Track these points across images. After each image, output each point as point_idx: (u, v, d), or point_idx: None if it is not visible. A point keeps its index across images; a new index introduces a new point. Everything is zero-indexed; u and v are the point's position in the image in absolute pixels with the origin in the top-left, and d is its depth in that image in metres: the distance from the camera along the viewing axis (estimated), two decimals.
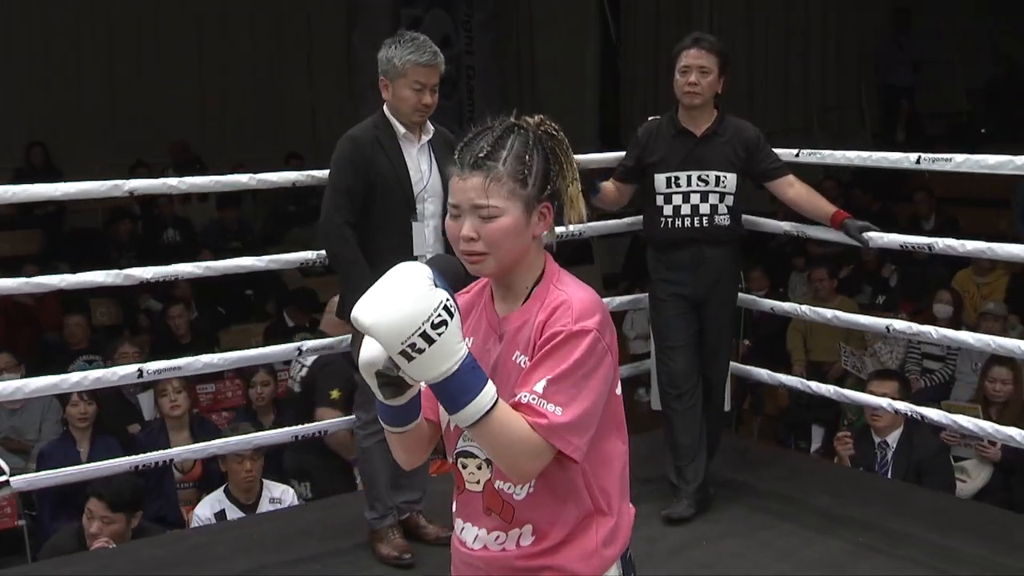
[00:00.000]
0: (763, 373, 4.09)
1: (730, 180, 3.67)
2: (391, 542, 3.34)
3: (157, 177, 6.76)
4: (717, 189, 3.67)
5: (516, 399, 1.55)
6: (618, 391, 1.67)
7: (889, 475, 4.40)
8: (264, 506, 4.10)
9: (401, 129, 3.24)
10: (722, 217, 3.68)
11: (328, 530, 3.62)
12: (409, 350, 1.43)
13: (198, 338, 6.80)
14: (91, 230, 9.04)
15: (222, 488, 4.15)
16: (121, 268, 3.22)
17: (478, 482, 1.66)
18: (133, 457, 3.35)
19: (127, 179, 3.17)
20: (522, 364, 1.61)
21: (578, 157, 4.31)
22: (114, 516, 3.62)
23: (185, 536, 3.90)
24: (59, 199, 3.05)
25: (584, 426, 1.56)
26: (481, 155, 1.60)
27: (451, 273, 1.58)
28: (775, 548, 3.47)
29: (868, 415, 4.51)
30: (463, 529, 1.71)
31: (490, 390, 1.50)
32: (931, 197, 8.31)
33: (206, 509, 4.07)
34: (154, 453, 3.37)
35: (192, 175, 3.93)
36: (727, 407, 4.06)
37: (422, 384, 1.53)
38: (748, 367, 4.17)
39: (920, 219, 8.11)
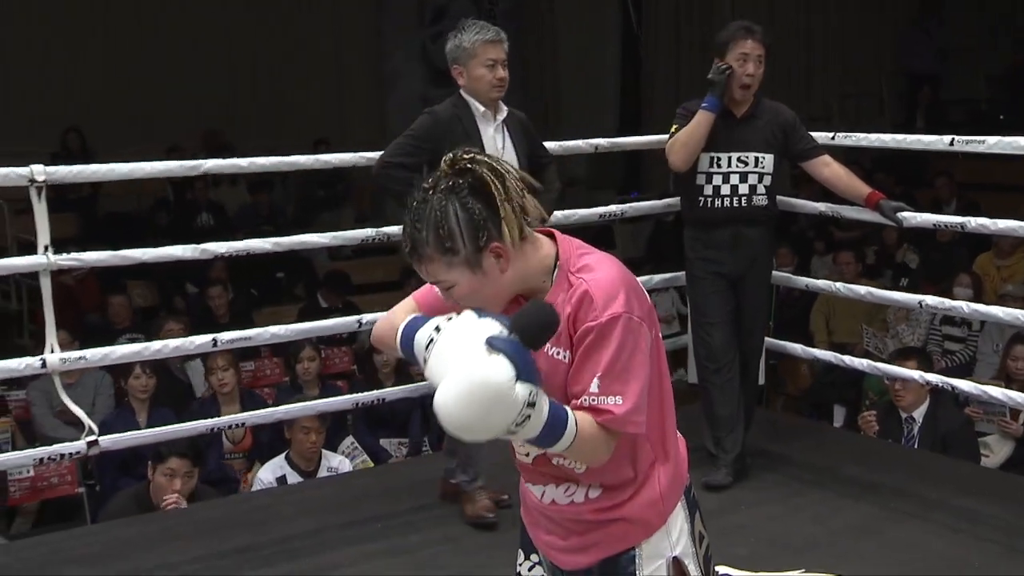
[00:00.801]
0: (797, 348, 4.27)
1: (768, 161, 3.85)
2: (478, 503, 3.56)
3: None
4: (756, 170, 3.84)
5: (579, 402, 1.66)
6: (660, 343, 1.76)
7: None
8: (323, 473, 4.33)
9: (480, 108, 3.48)
10: (760, 197, 3.85)
11: (385, 493, 3.83)
12: (497, 437, 1.55)
13: (234, 319, 7.01)
14: (124, 214, 9.25)
15: (283, 455, 4.37)
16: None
17: (528, 455, 1.79)
18: (211, 420, 3.57)
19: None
20: (555, 355, 1.68)
21: (599, 141, 4.46)
22: (194, 470, 3.85)
23: (247, 498, 4.11)
24: (142, 177, 3.23)
25: (643, 402, 1.68)
26: (408, 249, 1.66)
27: (540, 326, 1.56)
28: (808, 512, 3.67)
29: (892, 394, 4.68)
30: (533, 488, 1.84)
31: (571, 427, 1.60)
32: (952, 182, 8.46)
33: (268, 473, 4.30)
34: (246, 414, 3.59)
35: None
36: (760, 381, 4.24)
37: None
38: (783, 342, 4.35)
39: (941, 203, 8.24)
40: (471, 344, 1.52)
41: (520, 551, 1.93)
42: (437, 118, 3.49)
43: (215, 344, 3.40)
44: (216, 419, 3.67)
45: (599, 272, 1.68)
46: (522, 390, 1.51)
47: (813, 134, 3.98)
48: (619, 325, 1.65)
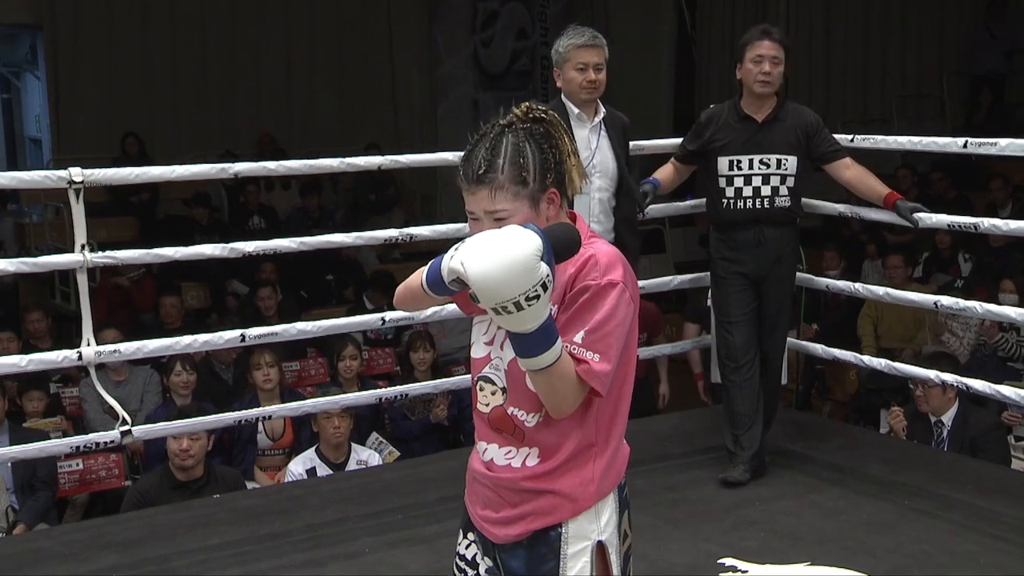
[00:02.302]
0: (818, 348, 4.37)
1: (791, 163, 3.96)
2: None
3: None
4: (778, 172, 3.96)
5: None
6: (635, 345, 1.91)
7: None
8: (352, 466, 4.54)
9: (575, 110, 3.78)
10: (782, 199, 3.96)
11: (410, 486, 4.02)
12: (500, 310, 1.69)
13: (283, 320, 7.25)
14: (182, 217, 9.60)
15: (313, 448, 4.59)
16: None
17: (487, 405, 1.92)
18: (239, 412, 3.79)
19: None
20: (551, 312, 1.79)
21: (652, 143, 4.68)
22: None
23: (281, 489, 4.34)
24: (229, 177, 3.47)
25: (614, 370, 1.84)
26: (480, 171, 1.82)
27: (565, 242, 1.78)
28: (824, 508, 3.77)
29: (914, 396, 4.74)
30: (479, 444, 1.96)
31: (557, 348, 1.75)
32: (1007, 185, 8.42)
33: (298, 466, 4.53)
34: (273, 407, 3.82)
35: None
36: (784, 381, 4.35)
37: None
38: (804, 343, 4.45)
39: (997, 207, 8.22)
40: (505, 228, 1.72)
41: (460, 531, 2.05)
42: None
43: (243, 339, 3.62)
44: (244, 411, 3.89)
45: (603, 247, 1.88)
46: (543, 267, 1.68)
47: (837, 136, 4.07)
48: (615, 292, 1.82)
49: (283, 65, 10.77)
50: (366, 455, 4.61)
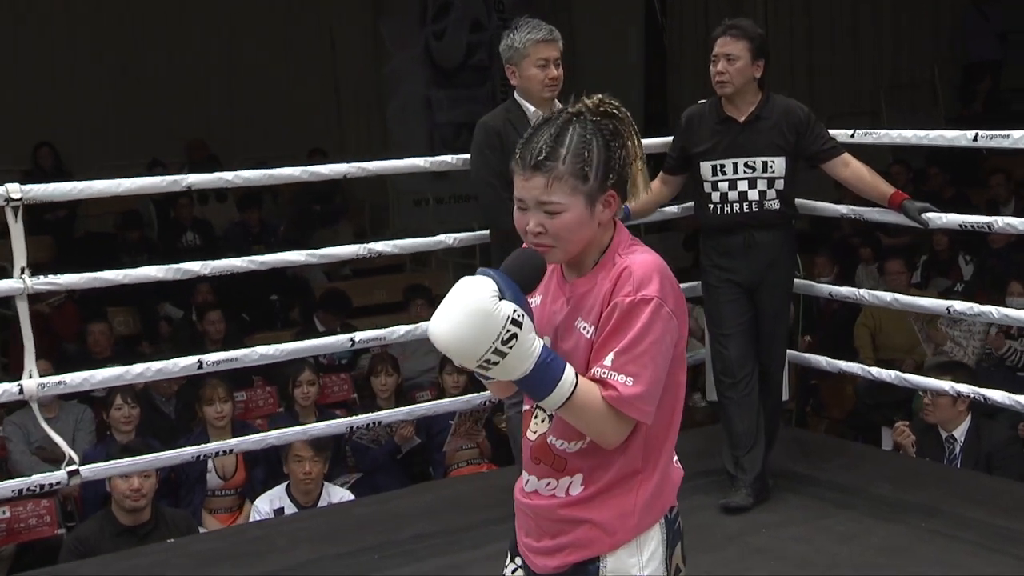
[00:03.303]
0: (822, 360, 4.49)
1: (778, 164, 4.05)
2: None
3: None
4: (765, 175, 4.05)
5: (591, 374, 1.87)
6: (683, 356, 1.97)
7: None
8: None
9: (531, 109, 3.84)
10: (772, 202, 4.06)
11: (384, 523, 4.08)
12: (486, 364, 1.78)
13: (225, 346, 7.28)
14: (104, 235, 9.55)
15: (283, 485, 4.64)
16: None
17: (535, 433, 2.01)
18: (200, 447, 3.82)
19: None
20: (583, 330, 1.92)
21: None
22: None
23: (242, 530, 4.37)
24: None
25: (654, 393, 1.88)
26: (540, 157, 1.88)
27: (529, 267, 1.88)
28: (835, 533, 3.88)
29: (924, 408, 4.87)
30: (524, 474, 2.05)
31: (568, 377, 1.82)
32: (1009, 180, 8.63)
33: (265, 504, 4.57)
34: (235, 440, 3.85)
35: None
36: (785, 396, 4.46)
37: None
38: (806, 355, 4.57)
39: (999, 204, 8.43)
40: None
41: (508, 552, 2.15)
42: (487, 128, 3.88)
43: (200, 366, 3.65)
44: (205, 445, 3.92)
45: (641, 256, 1.93)
46: (506, 305, 1.77)
47: (835, 131, 4.18)
48: (650, 308, 1.86)
49: (211, 63, 10.74)
50: (339, 496, 4.65)
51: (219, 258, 3.79)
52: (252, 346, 7.65)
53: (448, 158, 4.09)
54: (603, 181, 1.91)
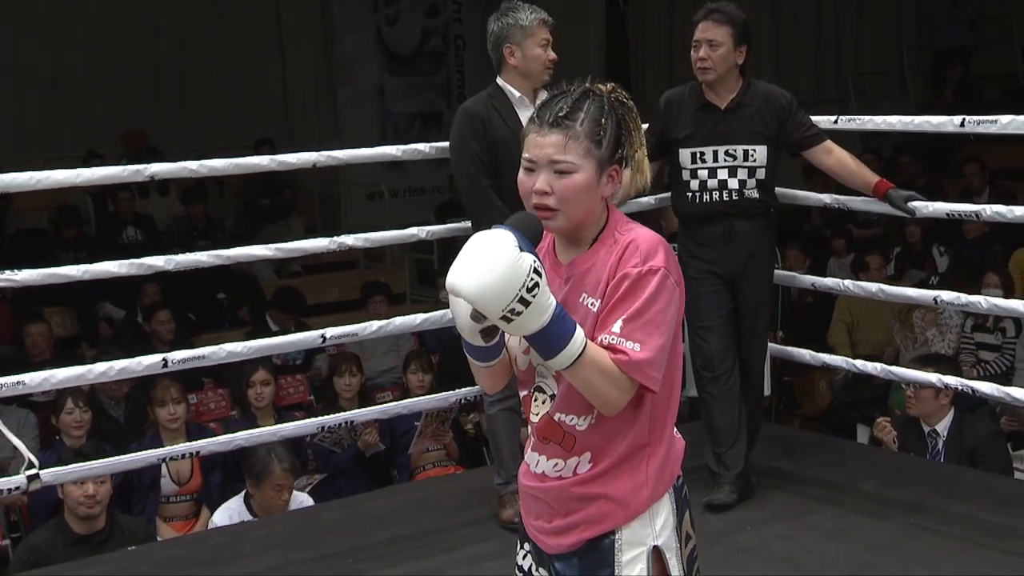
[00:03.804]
0: (805, 354, 4.58)
1: (759, 153, 4.14)
2: (512, 506, 3.86)
3: None
4: (746, 164, 4.13)
5: (599, 341, 1.98)
6: (680, 330, 2.10)
7: None
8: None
9: (516, 94, 3.91)
10: (752, 191, 4.13)
11: (355, 527, 4.11)
12: (510, 315, 1.88)
13: (175, 347, 7.25)
14: (37, 231, 9.47)
15: (240, 496, 4.64)
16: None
17: (538, 415, 2.12)
18: (164, 449, 3.82)
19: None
20: (589, 306, 2.04)
21: None
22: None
23: (205, 537, 4.38)
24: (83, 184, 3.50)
25: (660, 360, 2.00)
26: (561, 114, 2.03)
27: (530, 230, 2.00)
28: (823, 530, 3.97)
29: (906, 401, 4.98)
30: (529, 457, 2.16)
31: (579, 335, 1.93)
32: (983, 170, 8.80)
33: (224, 518, 4.55)
34: (201, 442, 3.87)
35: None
36: (766, 391, 4.55)
37: None
38: (788, 348, 4.65)
39: (973, 194, 8.57)
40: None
41: (518, 541, 2.25)
42: (470, 113, 3.92)
43: (166, 364, 3.66)
44: (172, 447, 3.93)
45: (645, 231, 2.08)
46: (527, 256, 1.88)
47: (818, 118, 4.28)
48: (656, 278, 1.99)
49: (150, 48, 10.67)
50: (298, 503, 4.66)
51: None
52: (201, 347, 7.76)
53: (422, 146, 4.12)
54: (613, 152, 2.06)
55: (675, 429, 2.16)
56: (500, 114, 3.87)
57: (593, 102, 2.07)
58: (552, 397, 2.10)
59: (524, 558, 2.22)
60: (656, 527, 2.09)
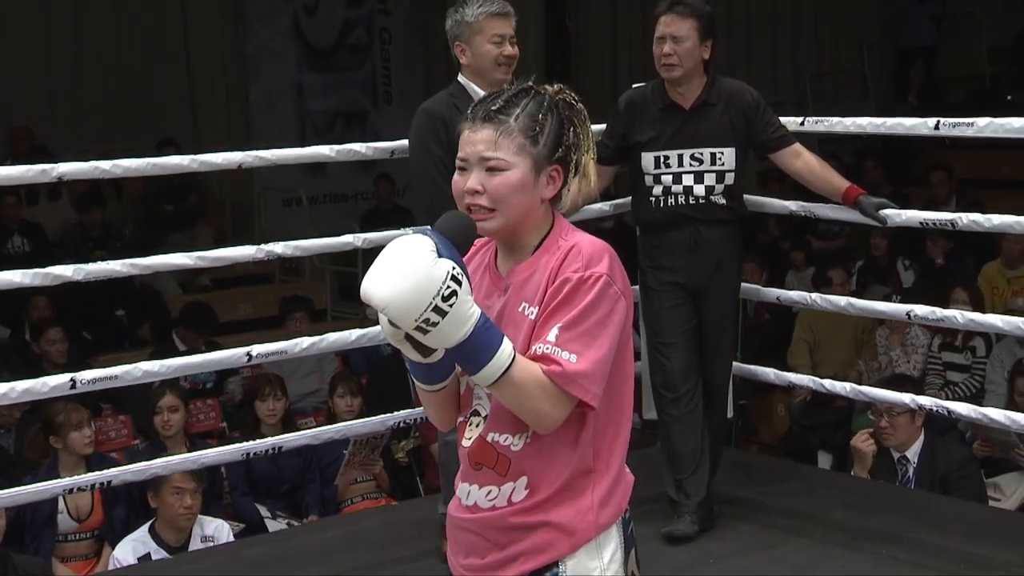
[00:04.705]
0: (769, 373, 4.67)
1: (728, 156, 4.21)
2: None
3: None
4: (714, 168, 4.20)
5: (532, 351, 2.00)
6: (630, 346, 2.12)
7: None
8: (195, 545, 4.58)
9: (479, 91, 3.89)
10: (719, 197, 4.20)
11: (279, 565, 4.11)
12: (424, 325, 1.89)
13: (68, 369, 7.18)
14: None
15: (145, 527, 4.61)
16: None
17: (470, 438, 2.12)
18: (76, 478, 3.79)
19: None
20: (528, 314, 2.06)
21: None
22: None
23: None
24: None
25: (600, 373, 2.01)
26: (493, 108, 2.08)
27: (460, 230, 2.03)
28: (791, 562, 4.05)
29: (878, 431, 5.09)
30: (460, 489, 2.15)
31: (507, 348, 1.95)
32: (950, 178, 9.01)
33: (127, 552, 4.53)
34: (109, 471, 3.81)
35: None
36: (729, 414, 4.62)
37: None
38: (752, 367, 4.74)
39: (939, 203, 8.76)
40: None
41: None
42: (430, 114, 3.94)
43: (73, 385, 3.64)
44: (77, 477, 3.90)
45: (590, 237, 2.10)
46: (444, 262, 1.90)
47: (783, 119, 4.35)
48: (598, 285, 2.02)
49: (40, 41, 10.54)
50: (213, 528, 4.65)
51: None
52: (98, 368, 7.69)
53: (359, 146, 4.14)
54: (552, 151, 2.09)
55: (624, 464, 2.15)
56: (461, 112, 3.90)
57: (532, 99, 2.10)
58: (485, 418, 2.11)
59: None
60: (604, 559, 2.09)
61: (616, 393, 2.08)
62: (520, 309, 2.08)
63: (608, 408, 2.07)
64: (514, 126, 2.07)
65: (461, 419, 2.17)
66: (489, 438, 2.10)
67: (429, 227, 1.99)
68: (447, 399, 2.16)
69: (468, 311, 1.92)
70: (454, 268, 1.90)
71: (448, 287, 1.89)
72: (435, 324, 1.89)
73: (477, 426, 2.12)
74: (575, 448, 2.07)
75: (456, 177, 2.10)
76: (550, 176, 2.09)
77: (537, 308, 2.05)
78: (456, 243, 1.98)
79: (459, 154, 2.10)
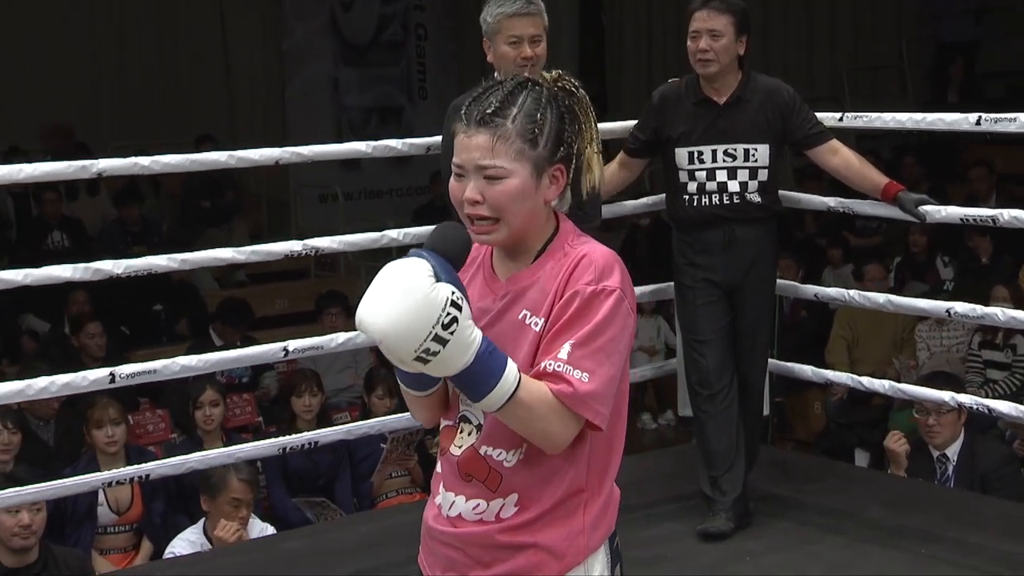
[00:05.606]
0: (807, 370, 4.65)
1: (761, 152, 4.20)
2: None
3: None
4: (747, 164, 4.20)
5: (542, 367, 1.91)
6: (627, 368, 2.02)
7: None
8: None
9: None
10: (753, 194, 4.20)
11: (318, 559, 4.13)
12: (424, 355, 1.80)
13: (107, 363, 7.24)
14: None
15: (200, 525, 4.66)
16: None
17: (460, 447, 2.03)
18: (115, 471, 3.82)
19: None
20: (531, 324, 1.97)
21: None
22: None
23: (155, 568, 4.39)
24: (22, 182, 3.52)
25: (610, 394, 1.94)
26: (489, 111, 1.95)
27: (455, 245, 1.92)
28: (827, 560, 4.03)
29: (924, 430, 5.06)
30: (439, 497, 2.05)
31: (511, 371, 1.86)
32: (991, 174, 8.94)
33: (184, 547, 4.58)
34: (146, 465, 3.86)
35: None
36: (765, 411, 4.61)
37: None
38: (790, 364, 4.72)
39: (979, 200, 8.70)
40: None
41: None
42: (459, 108, 3.86)
43: (113, 379, 3.67)
44: (116, 471, 3.93)
45: (600, 247, 2.00)
46: (443, 287, 1.82)
47: (820, 115, 4.33)
48: (612, 300, 1.93)
49: (82, 40, 10.63)
50: (259, 529, 4.68)
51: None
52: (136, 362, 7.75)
53: (394, 142, 4.14)
54: (553, 151, 1.98)
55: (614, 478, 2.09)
56: None
57: (530, 94, 1.99)
58: (479, 428, 2.02)
59: None
60: None
61: (614, 411, 2.00)
62: (521, 316, 1.99)
63: (606, 429, 1.99)
64: (511, 129, 1.95)
65: (448, 423, 2.08)
66: (482, 451, 2.01)
67: (424, 250, 1.88)
68: (434, 402, 2.08)
69: (470, 337, 1.84)
70: (453, 293, 1.82)
71: (448, 314, 1.80)
72: (436, 353, 1.81)
73: (469, 434, 2.03)
74: (570, 467, 2.00)
75: (453, 183, 2.00)
76: (552, 176, 2.00)
77: (543, 320, 1.96)
78: (452, 259, 1.90)
79: (455, 159, 1.99)
